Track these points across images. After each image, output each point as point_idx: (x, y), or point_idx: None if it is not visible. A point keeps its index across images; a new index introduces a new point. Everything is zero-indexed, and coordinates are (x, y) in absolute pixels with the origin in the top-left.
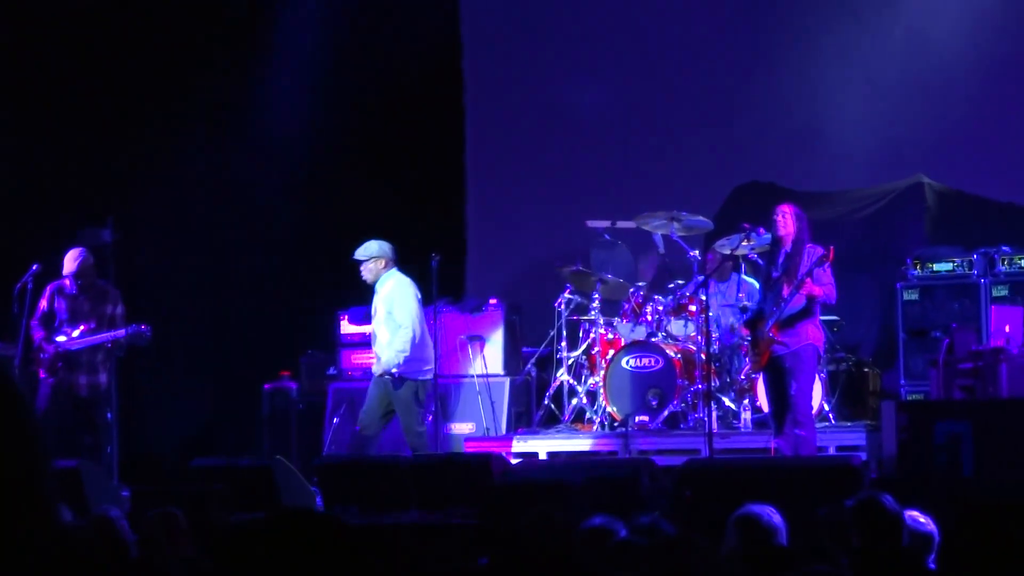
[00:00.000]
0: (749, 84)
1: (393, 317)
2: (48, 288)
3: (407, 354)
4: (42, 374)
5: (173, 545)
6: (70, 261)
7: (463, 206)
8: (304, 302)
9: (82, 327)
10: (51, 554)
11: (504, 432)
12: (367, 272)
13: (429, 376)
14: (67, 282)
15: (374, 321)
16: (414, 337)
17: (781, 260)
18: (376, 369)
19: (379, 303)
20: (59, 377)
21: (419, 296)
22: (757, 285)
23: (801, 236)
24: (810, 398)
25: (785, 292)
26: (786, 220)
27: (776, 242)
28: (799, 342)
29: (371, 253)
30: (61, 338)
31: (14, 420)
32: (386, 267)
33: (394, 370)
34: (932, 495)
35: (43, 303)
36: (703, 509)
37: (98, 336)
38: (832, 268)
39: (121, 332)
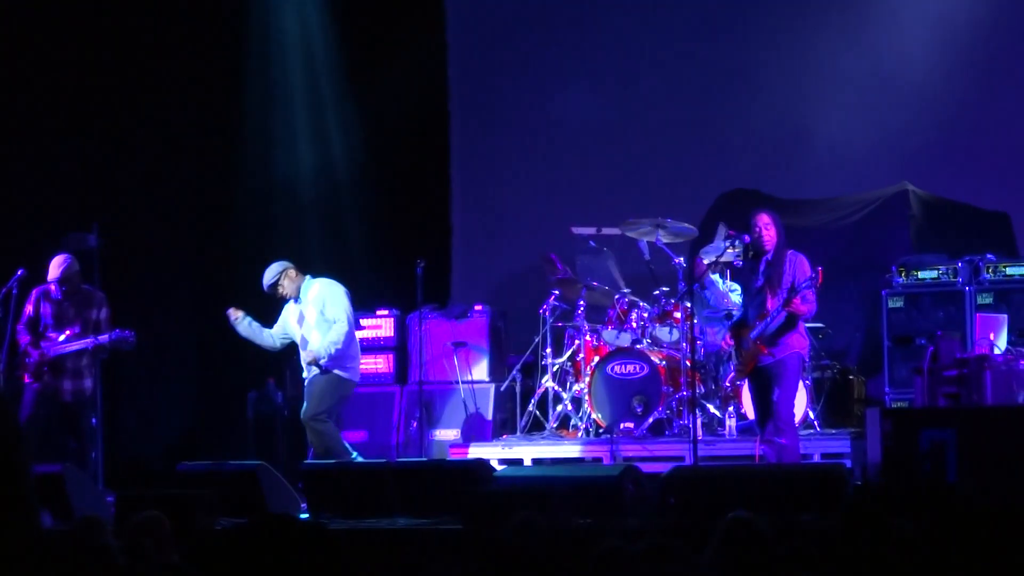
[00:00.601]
0: (734, 92)
1: (326, 316)
2: (33, 293)
3: (339, 347)
4: (27, 379)
5: (158, 550)
6: (55, 267)
7: (448, 212)
8: None
9: (67, 332)
10: (32, 555)
11: (490, 438)
12: (287, 289)
13: (356, 378)
14: (52, 287)
15: (303, 327)
16: (350, 333)
17: (763, 268)
18: (305, 358)
19: (307, 308)
20: (44, 382)
21: (349, 294)
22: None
23: (781, 242)
24: (792, 405)
25: (770, 305)
26: (770, 232)
27: (757, 250)
28: (784, 351)
29: (278, 271)
30: (46, 343)
31: None
32: (299, 275)
33: (323, 360)
34: (917, 502)
35: (29, 308)
36: (687, 516)
37: (83, 341)
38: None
39: (105, 337)
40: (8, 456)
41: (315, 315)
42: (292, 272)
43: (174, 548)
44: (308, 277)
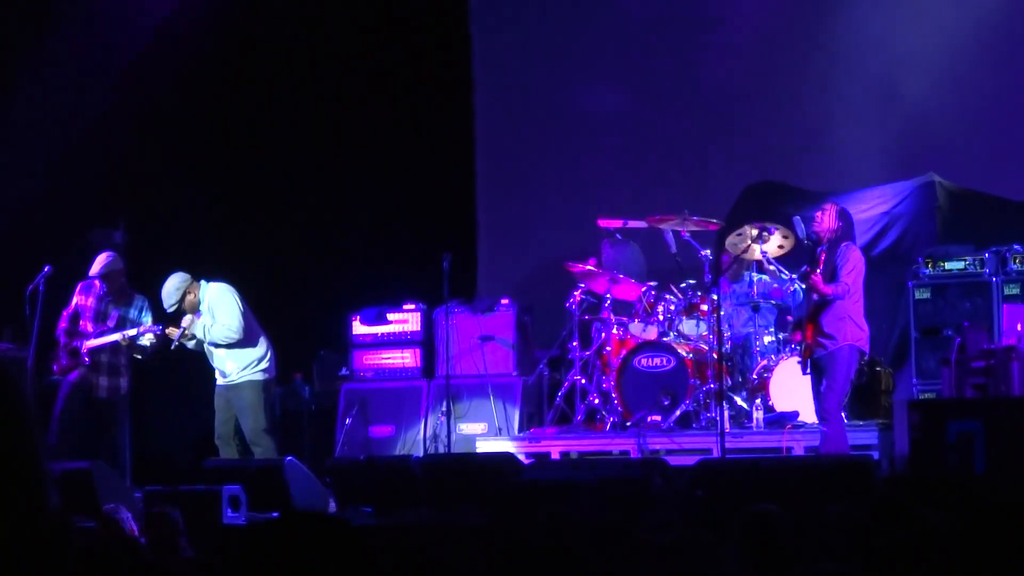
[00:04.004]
0: (760, 83)
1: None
2: (78, 286)
3: (232, 338)
4: (56, 370)
5: (169, 545)
6: (97, 263)
7: (474, 206)
8: (316, 303)
9: (104, 326)
10: (44, 538)
11: (517, 432)
12: (189, 306)
13: (273, 373)
14: (96, 283)
15: None
16: (251, 337)
17: (817, 260)
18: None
19: (207, 315)
20: (81, 376)
21: (239, 299)
22: (775, 281)
23: (840, 236)
24: (839, 396)
25: (815, 295)
26: (823, 216)
27: (816, 241)
28: (837, 344)
29: (179, 289)
30: (78, 340)
31: (5, 409)
32: (198, 288)
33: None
34: (944, 494)
35: (72, 301)
36: (715, 508)
37: (113, 335)
38: (856, 267)
39: (133, 332)
40: (17, 438)
41: (211, 322)
42: (193, 290)
43: (186, 543)
44: (203, 283)
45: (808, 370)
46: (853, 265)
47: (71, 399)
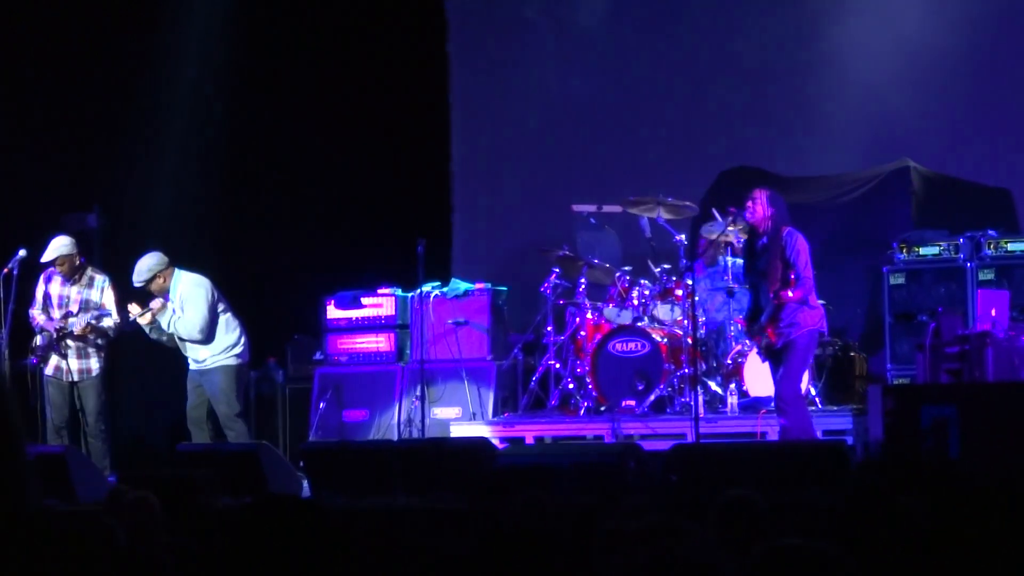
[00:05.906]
0: (736, 68)
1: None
2: (41, 276)
3: (197, 337)
4: (34, 360)
5: (150, 531)
6: (49, 251)
7: (449, 191)
8: (290, 287)
9: (69, 312)
10: (23, 528)
11: (492, 417)
12: (158, 289)
13: (246, 359)
14: (53, 269)
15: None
16: (215, 332)
17: (759, 250)
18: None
19: (176, 306)
20: (55, 366)
21: (210, 295)
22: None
23: (778, 222)
24: (794, 384)
25: (771, 293)
26: (755, 205)
27: (752, 230)
28: (795, 332)
29: (151, 270)
30: (49, 323)
31: None
32: (171, 275)
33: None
34: (919, 478)
35: (37, 291)
36: (690, 493)
37: (76, 323)
38: (812, 257)
39: (86, 316)
40: None
41: (179, 315)
42: (166, 273)
43: (164, 529)
44: (177, 270)
45: (765, 359)
46: (806, 255)
47: (45, 385)
